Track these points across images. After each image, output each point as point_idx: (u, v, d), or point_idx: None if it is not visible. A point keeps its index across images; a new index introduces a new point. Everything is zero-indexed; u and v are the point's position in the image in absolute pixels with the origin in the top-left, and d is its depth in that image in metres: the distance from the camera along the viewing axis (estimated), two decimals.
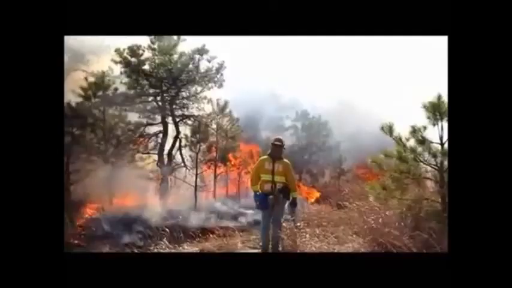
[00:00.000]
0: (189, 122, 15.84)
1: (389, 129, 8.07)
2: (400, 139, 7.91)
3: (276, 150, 6.48)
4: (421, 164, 7.54)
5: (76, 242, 10.70)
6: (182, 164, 15.19)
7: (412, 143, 7.82)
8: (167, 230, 7.62)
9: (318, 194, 18.39)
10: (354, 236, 7.31)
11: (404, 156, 7.92)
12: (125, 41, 14.61)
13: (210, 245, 7.71)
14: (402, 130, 8.10)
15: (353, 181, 21.01)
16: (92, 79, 14.53)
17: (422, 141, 7.50)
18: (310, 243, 6.77)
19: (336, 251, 6.27)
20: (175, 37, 14.43)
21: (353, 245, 6.77)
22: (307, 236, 7.66)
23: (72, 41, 23.75)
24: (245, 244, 8.74)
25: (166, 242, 6.93)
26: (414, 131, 7.69)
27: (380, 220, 6.61)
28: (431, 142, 6.20)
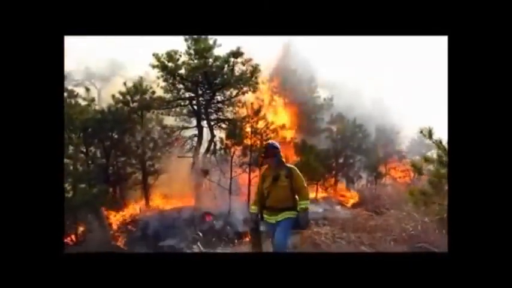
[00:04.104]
0: (224, 126, 15.95)
1: (428, 133, 7.79)
2: (441, 142, 7.61)
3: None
4: None
5: (114, 243, 11.02)
6: (216, 168, 15.29)
7: None
8: (200, 234, 7.70)
9: (355, 199, 18.04)
10: (392, 243, 7.08)
11: (445, 160, 7.60)
12: (162, 46, 14.90)
13: (244, 249, 7.68)
14: (443, 133, 7.79)
15: (390, 185, 20.48)
16: (130, 84, 14.97)
17: None
18: (346, 250, 6.62)
19: None
20: (210, 41, 14.59)
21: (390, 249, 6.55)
22: (343, 242, 7.49)
23: (110, 48, 24.66)
24: None
25: (200, 246, 6.95)
26: None
27: (419, 227, 6.37)
28: None
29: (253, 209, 4.81)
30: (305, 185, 4.73)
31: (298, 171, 4.77)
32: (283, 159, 4.80)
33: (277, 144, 4.83)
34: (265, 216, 4.71)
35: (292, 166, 4.81)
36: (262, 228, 4.86)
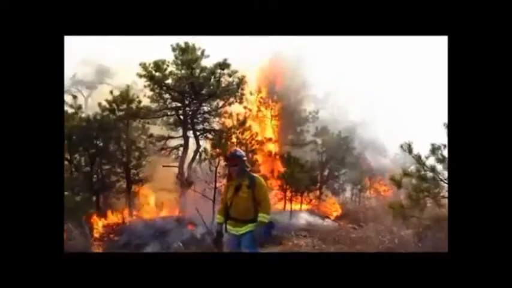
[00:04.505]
0: (210, 136, 16.03)
1: (408, 148, 7.98)
2: (420, 157, 7.79)
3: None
4: (442, 182, 7.40)
5: (94, 251, 10.92)
6: (201, 178, 15.30)
7: (431, 161, 7.67)
8: (180, 244, 7.72)
9: (338, 211, 18.14)
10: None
11: (424, 174, 7.79)
12: (149, 56, 14.98)
13: None
14: (422, 148, 7.96)
15: (374, 198, 20.68)
16: (116, 92, 15.00)
17: (442, 160, 7.37)
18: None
19: None
20: (198, 52, 14.72)
21: None
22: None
23: (98, 56, 24.68)
24: None
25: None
26: (434, 150, 7.57)
27: (396, 240, 6.50)
28: None
29: (219, 218, 4.72)
30: (267, 197, 4.53)
31: (262, 182, 4.58)
32: (248, 169, 4.65)
33: (241, 153, 4.67)
34: (228, 226, 4.60)
35: (257, 176, 4.65)
36: (225, 239, 4.70)
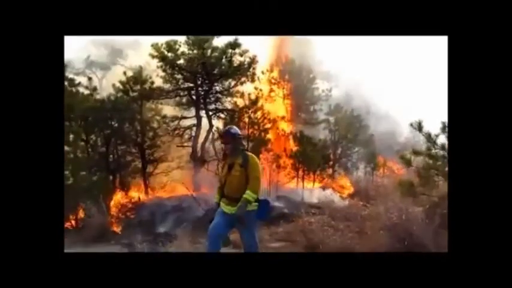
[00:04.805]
0: (222, 116, 16.16)
1: (418, 126, 7.98)
2: (430, 135, 7.80)
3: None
4: None
5: (112, 229, 11.32)
6: (215, 157, 15.53)
7: (442, 139, 7.68)
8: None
9: (350, 189, 18.21)
10: (381, 232, 7.31)
11: (434, 153, 7.81)
12: (161, 36, 15.01)
13: (234, 236, 7.92)
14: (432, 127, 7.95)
15: (387, 176, 20.64)
16: (130, 73, 15.16)
17: None
18: (332, 238, 6.86)
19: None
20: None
21: (376, 240, 6.78)
22: (331, 230, 7.74)
23: (111, 37, 24.77)
24: (272, 236, 8.92)
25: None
26: (444, 128, 7.56)
27: (403, 216, 6.59)
28: None
29: (217, 198, 4.61)
30: (257, 175, 4.39)
31: (256, 161, 4.47)
32: (242, 147, 4.57)
33: (235, 130, 4.59)
34: (222, 204, 4.50)
35: (251, 155, 4.51)
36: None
